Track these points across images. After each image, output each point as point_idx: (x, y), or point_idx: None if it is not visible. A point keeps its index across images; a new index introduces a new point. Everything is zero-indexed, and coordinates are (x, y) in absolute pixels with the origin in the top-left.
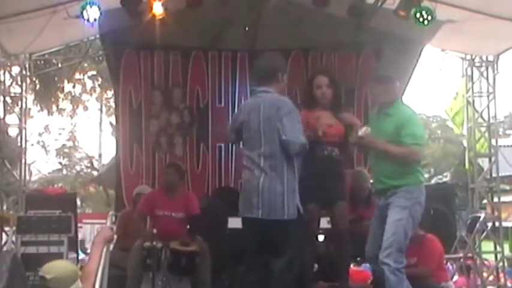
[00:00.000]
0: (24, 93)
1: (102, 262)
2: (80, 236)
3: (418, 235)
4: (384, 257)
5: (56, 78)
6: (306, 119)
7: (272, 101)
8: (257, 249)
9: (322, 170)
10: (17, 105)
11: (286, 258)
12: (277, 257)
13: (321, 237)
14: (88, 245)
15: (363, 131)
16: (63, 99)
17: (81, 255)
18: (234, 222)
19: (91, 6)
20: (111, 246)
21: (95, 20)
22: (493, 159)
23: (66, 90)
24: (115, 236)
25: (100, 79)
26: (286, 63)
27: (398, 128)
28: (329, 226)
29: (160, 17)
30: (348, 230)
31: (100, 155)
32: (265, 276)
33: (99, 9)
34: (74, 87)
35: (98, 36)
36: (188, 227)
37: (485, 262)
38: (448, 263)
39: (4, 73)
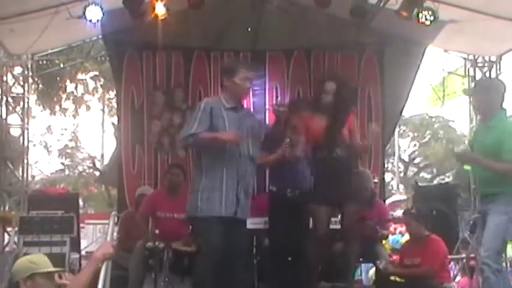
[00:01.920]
0: (26, 93)
1: (102, 275)
2: None
3: (422, 235)
4: (485, 257)
5: (58, 79)
6: (306, 124)
7: None
8: None
9: (327, 172)
10: (19, 105)
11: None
12: None
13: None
14: None
15: (461, 148)
16: (65, 100)
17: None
18: None
19: (93, 7)
20: None
21: (97, 20)
22: None
23: (68, 90)
24: (119, 240)
25: (102, 79)
26: (289, 63)
27: (499, 142)
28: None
29: (163, 17)
30: (354, 232)
31: (102, 156)
32: None
33: (102, 9)
34: (76, 87)
35: (100, 36)
36: (191, 227)
37: None
38: (452, 263)
39: (7, 73)
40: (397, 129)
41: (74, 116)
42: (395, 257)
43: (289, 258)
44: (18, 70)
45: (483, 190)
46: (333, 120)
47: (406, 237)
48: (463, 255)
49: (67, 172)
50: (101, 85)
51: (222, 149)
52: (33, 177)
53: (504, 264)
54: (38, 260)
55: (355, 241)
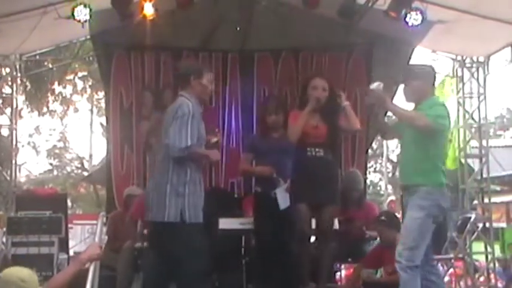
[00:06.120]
0: (14, 93)
1: (90, 275)
2: None
3: (396, 241)
4: (397, 254)
5: (46, 79)
6: (289, 120)
7: (174, 105)
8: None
9: (309, 171)
10: (8, 105)
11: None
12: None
13: (312, 239)
14: None
15: (375, 85)
16: (53, 101)
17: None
18: (225, 223)
19: (82, 7)
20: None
21: (86, 20)
22: (483, 160)
23: (57, 91)
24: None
25: (91, 80)
26: (277, 64)
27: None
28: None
29: (151, 17)
30: (331, 234)
31: (91, 156)
32: None
33: (90, 10)
34: (64, 87)
35: (88, 37)
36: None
37: (476, 263)
38: (439, 264)
39: None
40: None
41: (63, 117)
42: None
43: (276, 259)
44: (6, 70)
45: (404, 181)
46: (324, 119)
47: None
48: (451, 256)
49: (55, 172)
50: (90, 85)
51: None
52: (21, 177)
53: (492, 264)
54: (30, 278)
55: (331, 242)
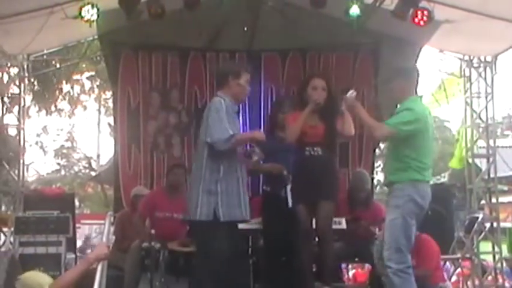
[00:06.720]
0: (22, 93)
1: (98, 275)
2: None
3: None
4: (386, 259)
5: (54, 79)
6: (287, 121)
7: (209, 105)
8: None
9: (307, 171)
10: (16, 105)
11: (200, 257)
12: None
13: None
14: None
15: (349, 93)
16: (61, 100)
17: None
18: None
19: (89, 7)
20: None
21: (93, 20)
22: (491, 159)
23: (64, 90)
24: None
25: (98, 80)
26: (284, 64)
27: None
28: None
29: (158, 17)
30: (331, 231)
31: (98, 156)
32: None
33: (97, 9)
34: (72, 87)
35: (96, 36)
36: (188, 228)
37: (484, 263)
38: (448, 263)
39: (2, 74)
40: None
41: (70, 117)
42: None
43: (284, 259)
44: (14, 70)
45: (385, 179)
46: (322, 118)
47: None
48: (459, 255)
49: (63, 172)
50: (97, 85)
51: (235, 152)
52: (28, 177)
53: (500, 264)
54: (42, 284)
55: (332, 240)
